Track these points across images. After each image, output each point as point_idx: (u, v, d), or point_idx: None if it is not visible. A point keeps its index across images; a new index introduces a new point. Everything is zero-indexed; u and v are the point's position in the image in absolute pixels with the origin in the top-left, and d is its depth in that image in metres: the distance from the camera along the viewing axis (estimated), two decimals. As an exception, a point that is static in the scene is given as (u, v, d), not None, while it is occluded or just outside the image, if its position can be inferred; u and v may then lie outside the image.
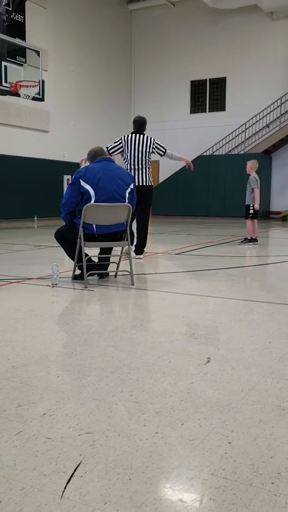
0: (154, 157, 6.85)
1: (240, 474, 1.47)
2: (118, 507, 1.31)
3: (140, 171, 6.47)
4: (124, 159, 6.56)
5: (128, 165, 6.48)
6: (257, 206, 8.24)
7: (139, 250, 6.51)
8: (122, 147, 6.49)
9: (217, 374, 2.28)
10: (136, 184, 6.33)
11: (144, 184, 6.50)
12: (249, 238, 8.29)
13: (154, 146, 6.53)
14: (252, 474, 1.46)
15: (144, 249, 6.63)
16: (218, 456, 1.56)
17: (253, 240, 8.30)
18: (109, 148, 6.45)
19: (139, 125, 6.57)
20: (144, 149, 6.44)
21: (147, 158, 6.50)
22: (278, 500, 1.34)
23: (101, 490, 1.38)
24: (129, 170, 6.39)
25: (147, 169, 6.54)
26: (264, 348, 2.67)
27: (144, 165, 6.49)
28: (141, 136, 6.50)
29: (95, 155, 4.79)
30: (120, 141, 6.51)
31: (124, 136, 6.53)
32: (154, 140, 6.59)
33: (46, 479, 1.43)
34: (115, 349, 2.65)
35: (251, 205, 8.27)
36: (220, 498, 1.35)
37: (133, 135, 6.50)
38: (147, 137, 6.52)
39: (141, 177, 6.48)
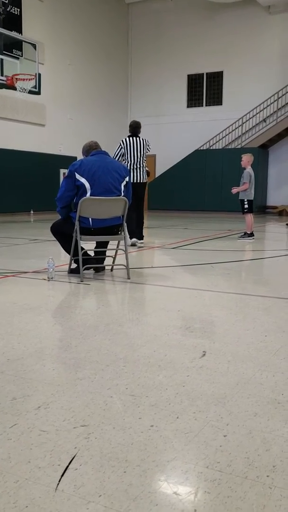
0: (151, 151, 7.41)
1: (235, 467, 1.46)
2: (113, 500, 1.30)
3: (139, 170, 7.16)
4: (124, 160, 7.11)
5: (129, 165, 7.07)
6: (234, 191, 8.33)
7: (140, 236, 7.28)
8: (122, 151, 7.10)
9: (212, 367, 2.28)
10: (137, 181, 7.08)
11: (143, 181, 7.23)
12: (248, 232, 8.29)
13: (147, 146, 7.23)
14: (247, 467, 1.46)
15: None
16: (213, 449, 1.56)
17: (250, 235, 8.30)
18: (114, 157, 6.93)
19: (134, 129, 7.23)
20: (142, 150, 7.12)
21: (143, 157, 7.14)
22: (273, 493, 1.34)
23: (96, 482, 1.38)
24: (132, 168, 7.08)
25: (144, 168, 7.22)
26: (259, 342, 2.67)
27: (142, 164, 7.18)
28: (137, 138, 7.15)
29: (90, 149, 4.77)
30: (121, 146, 7.10)
31: (123, 141, 7.11)
32: (147, 141, 7.26)
33: (41, 472, 1.43)
34: (110, 343, 2.64)
35: (245, 200, 8.26)
36: (215, 491, 1.35)
37: (131, 138, 7.12)
38: (142, 139, 7.19)
39: (140, 175, 7.18)
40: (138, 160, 7.08)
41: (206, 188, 17.58)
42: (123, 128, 20.45)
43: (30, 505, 1.28)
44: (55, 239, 4.98)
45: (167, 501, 1.30)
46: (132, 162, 7.06)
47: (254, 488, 1.36)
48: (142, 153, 7.10)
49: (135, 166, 7.08)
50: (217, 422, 1.74)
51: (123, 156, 7.09)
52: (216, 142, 18.33)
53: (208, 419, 1.76)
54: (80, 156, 4.97)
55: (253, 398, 1.94)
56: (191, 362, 2.35)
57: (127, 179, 4.69)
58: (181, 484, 1.38)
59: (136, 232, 7.21)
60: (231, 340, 2.71)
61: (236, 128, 18.09)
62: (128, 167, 6.92)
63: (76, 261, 4.58)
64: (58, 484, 1.37)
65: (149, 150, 7.24)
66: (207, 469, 1.45)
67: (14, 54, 13.12)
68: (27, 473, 1.42)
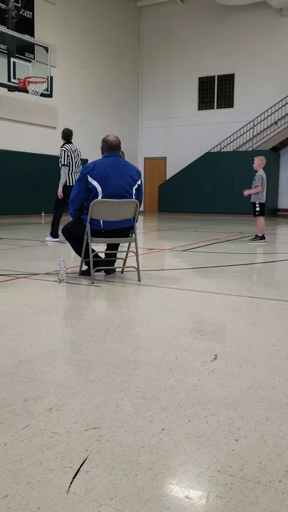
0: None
1: (247, 471, 1.45)
2: (124, 503, 1.30)
3: (76, 174, 7.79)
4: (67, 164, 7.76)
5: (70, 169, 7.76)
6: (246, 193, 8.27)
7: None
8: (69, 155, 7.76)
9: (224, 371, 2.27)
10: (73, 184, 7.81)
11: None
12: (260, 235, 8.25)
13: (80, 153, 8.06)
14: (260, 472, 1.45)
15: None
16: (225, 453, 1.55)
17: (262, 237, 8.27)
18: (66, 164, 7.74)
19: (68, 136, 7.92)
20: (79, 156, 7.95)
21: (79, 162, 7.97)
22: (286, 499, 1.33)
23: (108, 485, 1.38)
24: (72, 173, 7.78)
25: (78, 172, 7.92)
26: (271, 346, 2.65)
27: (78, 169, 7.86)
28: (73, 145, 7.95)
29: (107, 148, 4.66)
30: (67, 151, 7.73)
31: (67, 147, 7.77)
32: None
33: (52, 473, 1.43)
34: (121, 345, 2.64)
35: (257, 202, 8.23)
36: (227, 495, 1.34)
37: (70, 145, 7.86)
38: (74, 146, 7.99)
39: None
40: (78, 164, 7.88)
41: (217, 190, 17.55)
42: (135, 130, 20.57)
43: (42, 507, 1.28)
44: (65, 241, 4.99)
45: (179, 505, 1.30)
46: (73, 167, 7.81)
47: (267, 493, 1.35)
48: (79, 158, 7.94)
49: (75, 170, 7.84)
50: (229, 426, 1.73)
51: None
52: (227, 144, 18.30)
53: (219, 423, 1.76)
54: (90, 159, 4.97)
55: (265, 402, 1.93)
56: (203, 365, 2.34)
57: (138, 182, 4.68)
58: (192, 488, 1.37)
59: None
60: (242, 343, 2.70)
61: (247, 131, 18.05)
62: (70, 171, 7.76)
63: (87, 263, 4.58)
64: (69, 487, 1.37)
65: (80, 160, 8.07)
66: (219, 473, 1.44)
67: (27, 57, 13.20)
68: (39, 475, 1.42)
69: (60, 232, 8.03)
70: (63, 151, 7.71)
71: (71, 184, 7.69)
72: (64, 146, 7.79)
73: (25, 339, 2.74)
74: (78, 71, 16.77)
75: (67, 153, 7.69)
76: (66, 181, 7.73)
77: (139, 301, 3.99)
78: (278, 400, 1.95)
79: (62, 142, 8.04)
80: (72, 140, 8.16)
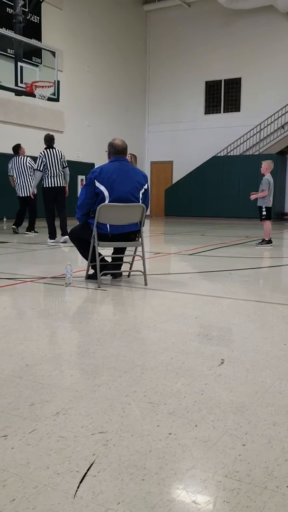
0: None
1: (254, 476, 1.45)
2: (131, 508, 1.30)
3: (59, 177, 8.32)
4: (44, 168, 8.24)
5: (50, 172, 8.24)
6: (252, 197, 8.27)
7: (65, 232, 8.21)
8: (44, 161, 8.20)
9: (231, 375, 2.26)
10: (57, 185, 8.32)
11: (63, 185, 8.42)
12: (266, 239, 8.24)
13: (64, 157, 8.42)
14: (267, 477, 1.45)
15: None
16: (232, 458, 1.55)
17: (268, 241, 8.25)
18: (38, 169, 8.29)
19: (49, 142, 8.37)
20: (60, 159, 8.30)
21: (62, 165, 8.34)
22: (293, 504, 1.32)
23: (114, 490, 1.38)
24: (51, 176, 8.26)
25: (62, 174, 8.39)
26: (278, 350, 2.65)
27: (61, 172, 8.34)
28: (54, 150, 8.33)
29: (114, 152, 4.63)
30: (42, 157, 8.22)
31: (42, 153, 8.25)
32: (62, 152, 8.46)
33: (59, 478, 1.43)
34: (128, 349, 2.64)
35: (263, 206, 8.21)
36: (234, 500, 1.33)
37: (48, 150, 8.30)
38: (58, 150, 8.39)
39: (60, 180, 8.36)
40: (57, 168, 8.26)
41: (223, 194, 17.53)
42: (141, 134, 20.61)
43: (49, 511, 1.28)
44: (72, 244, 5.00)
45: (186, 510, 1.30)
46: (53, 170, 8.23)
47: (274, 499, 1.34)
48: (60, 161, 8.28)
49: (55, 173, 8.24)
50: (236, 431, 1.72)
51: (45, 165, 8.19)
52: (234, 148, 18.29)
53: (226, 427, 1.75)
54: (97, 163, 4.99)
55: (272, 407, 1.92)
56: (209, 370, 2.33)
57: (145, 186, 4.68)
58: (199, 493, 1.37)
59: (64, 230, 8.35)
60: (249, 348, 2.69)
61: (254, 135, 18.03)
62: (49, 175, 8.23)
63: (94, 267, 4.59)
64: (76, 491, 1.37)
65: (65, 162, 8.41)
66: (226, 478, 1.44)
67: (34, 61, 13.27)
68: (46, 479, 1.42)
69: (58, 233, 8.50)
70: (38, 156, 8.24)
71: (49, 186, 8.28)
72: (41, 151, 8.28)
73: (32, 342, 2.75)
74: (85, 75, 16.84)
75: (42, 158, 8.20)
76: (44, 183, 8.31)
77: (146, 305, 3.99)
78: (285, 405, 1.94)
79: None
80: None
